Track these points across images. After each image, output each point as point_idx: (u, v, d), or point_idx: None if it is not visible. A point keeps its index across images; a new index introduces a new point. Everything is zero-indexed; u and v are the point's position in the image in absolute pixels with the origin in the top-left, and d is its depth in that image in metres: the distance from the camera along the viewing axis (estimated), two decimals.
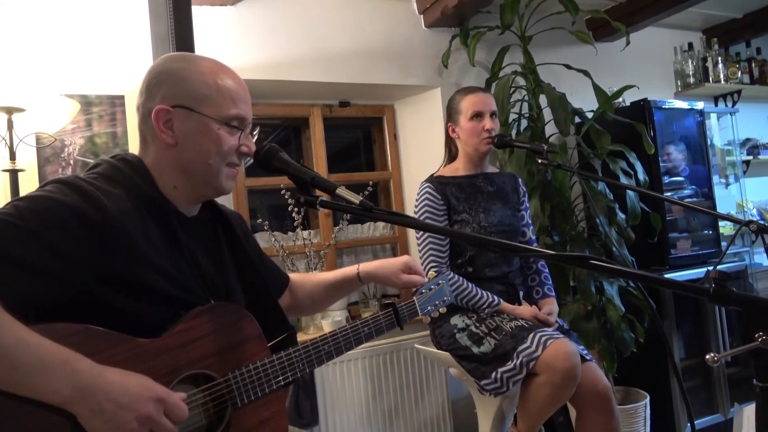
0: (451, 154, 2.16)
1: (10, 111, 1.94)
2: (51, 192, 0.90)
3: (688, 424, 2.68)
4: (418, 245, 2.01)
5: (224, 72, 1.05)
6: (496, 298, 1.93)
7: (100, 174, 0.98)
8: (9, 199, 1.94)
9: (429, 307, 1.29)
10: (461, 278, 1.95)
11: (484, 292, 1.93)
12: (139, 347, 0.90)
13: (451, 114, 2.08)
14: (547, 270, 2.12)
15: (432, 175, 2.09)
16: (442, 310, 1.33)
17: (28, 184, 2.05)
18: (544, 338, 1.72)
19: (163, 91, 1.02)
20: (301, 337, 2.45)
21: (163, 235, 0.99)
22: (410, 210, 2.77)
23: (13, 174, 1.95)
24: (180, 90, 1.01)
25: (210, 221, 1.14)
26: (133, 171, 1.01)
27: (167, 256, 0.98)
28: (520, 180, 2.18)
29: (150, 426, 0.84)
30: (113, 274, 0.89)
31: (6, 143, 1.94)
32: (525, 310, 1.93)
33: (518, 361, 1.73)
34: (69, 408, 0.79)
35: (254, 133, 1.09)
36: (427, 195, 2.00)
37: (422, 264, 2.00)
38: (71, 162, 2.15)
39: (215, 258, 1.10)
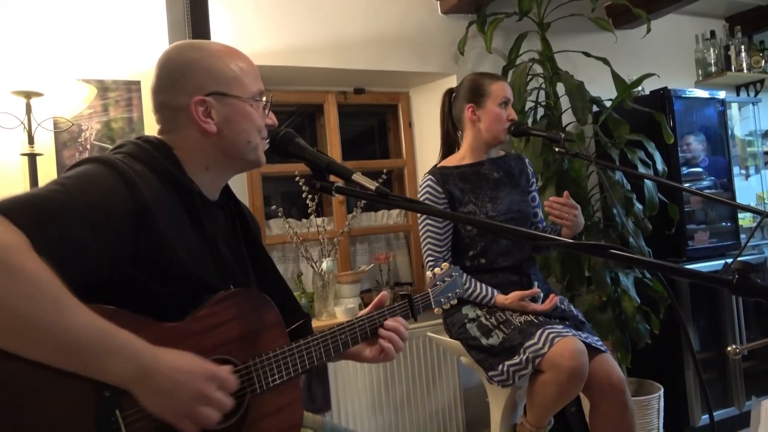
0: (449, 141, 2.13)
1: (28, 95, 1.96)
2: (94, 172, 0.91)
3: (703, 417, 2.66)
4: (420, 238, 2.01)
5: (236, 52, 1.09)
6: (490, 292, 1.90)
7: (127, 154, 0.98)
8: (28, 183, 1.98)
9: (442, 299, 1.32)
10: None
11: (480, 285, 1.91)
12: (164, 331, 0.91)
13: (472, 95, 2.01)
14: None
15: (435, 165, 2.06)
16: (453, 302, 1.35)
17: (46, 169, 2.07)
18: (551, 335, 1.71)
19: (192, 83, 1.02)
20: (313, 323, 2.47)
21: (188, 216, 1.00)
22: None
23: (32, 158, 1.97)
24: (209, 78, 1.03)
25: (228, 207, 1.15)
26: (158, 151, 1.01)
27: (192, 238, 0.99)
28: (526, 160, 2.14)
29: (205, 402, 0.87)
30: (145, 256, 0.90)
31: (24, 127, 1.96)
32: (513, 296, 1.88)
33: (524, 357, 1.72)
34: (129, 388, 0.82)
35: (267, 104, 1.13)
36: (428, 188, 1.98)
37: (423, 257, 2.00)
38: (88, 147, 2.16)
39: (232, 244, 1.11)
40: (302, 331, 1.13)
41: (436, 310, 1.32)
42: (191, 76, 1.02)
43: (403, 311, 1.23)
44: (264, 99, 1.09)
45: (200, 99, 1.01)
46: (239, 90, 1.04)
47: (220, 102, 1.03)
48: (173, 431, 0.88)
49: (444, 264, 1.37)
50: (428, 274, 1.34)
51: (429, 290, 1.30)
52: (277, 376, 1.01)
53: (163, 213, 0.93)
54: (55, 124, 2.08)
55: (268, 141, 1.10)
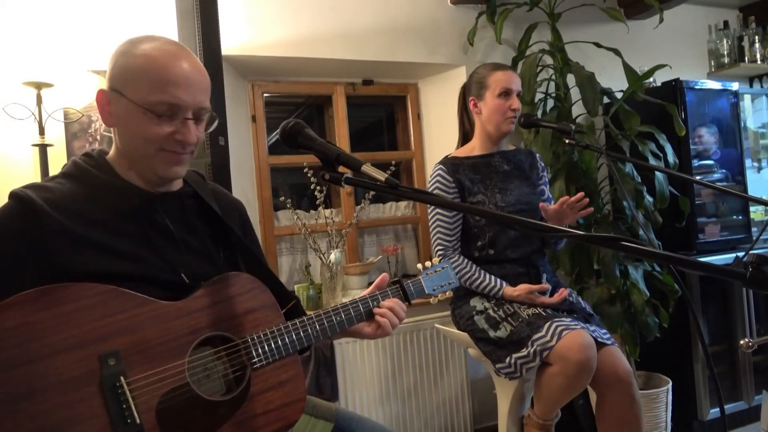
0: (464, 131, 2.14)
1: (39, 86, 1.97)
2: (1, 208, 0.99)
3: (711, 410, 2.65)
4: (430, 228, 2.02)
5: (166, 54, 1.02)
6: (498, 283, 1.91)
7: (61, 174, 1.05)
8: (39, 174, 1.99)
9: (435, 287, 1.35)
10: (467, 261, 1.96)
11: (488, 276, 1.92)
12: (162, 308, 0.96)
13: (474, 88, 2.03)
14: None
15: (447, 156, 2.07)
16: (449, 293, 1.38)
17: (57, 159, 2.08)
18: (559, 328, 1.71)
19: (109, 74, 1.05)
20: None
21: (124, 215, 1.02)
22: None
23: (42, 149, 1.99)
24: (116, 72, 1.03)
25: (193, 196, 1.15)
26: (92, 164, 1.05)
27: (127, 236, 1.01)
28: (537, 155, 2.15)
29: None
30: (58, 265, 0.93)
31: (35, 118, 1.98)
32: (521, 288, 1.89)
33: (532, 349, 1.72)
34: None
35: (203, 120, 1.05)
36: (438, 177, 2.00)
37: (432, 247, 2.01)
38: (98, 137, 2.17)
39: (193, 232, 1.11)
40: (294, 312, 1.17)
41: (432, 299, 1.35)
42: (110, 66, 1.05)
43: (396, 295, 1.27)
44: (168, 113, 0.99)
45: (102, 90, 1.04)
46: (135, 93, 1.00)
47: (116, 99, 1.02)
48: (180, 398, 0.92)
49: (435, 259, 1.39)
50: (418, 266, 1.35)
51: (420, 277, 1.34)
52: (276, 351, 1.05)
53: (80, 222, 0.97)
54: (66, 114, 2.09)
55: (190, 155, 1.04)
